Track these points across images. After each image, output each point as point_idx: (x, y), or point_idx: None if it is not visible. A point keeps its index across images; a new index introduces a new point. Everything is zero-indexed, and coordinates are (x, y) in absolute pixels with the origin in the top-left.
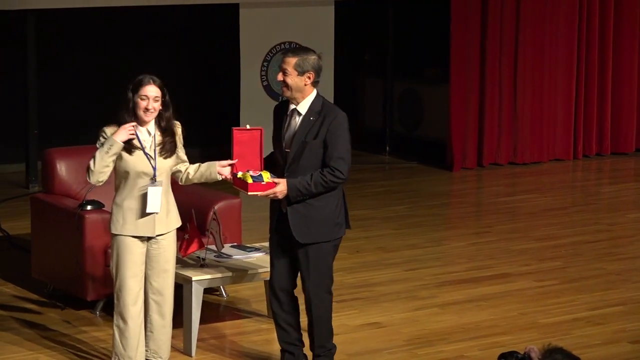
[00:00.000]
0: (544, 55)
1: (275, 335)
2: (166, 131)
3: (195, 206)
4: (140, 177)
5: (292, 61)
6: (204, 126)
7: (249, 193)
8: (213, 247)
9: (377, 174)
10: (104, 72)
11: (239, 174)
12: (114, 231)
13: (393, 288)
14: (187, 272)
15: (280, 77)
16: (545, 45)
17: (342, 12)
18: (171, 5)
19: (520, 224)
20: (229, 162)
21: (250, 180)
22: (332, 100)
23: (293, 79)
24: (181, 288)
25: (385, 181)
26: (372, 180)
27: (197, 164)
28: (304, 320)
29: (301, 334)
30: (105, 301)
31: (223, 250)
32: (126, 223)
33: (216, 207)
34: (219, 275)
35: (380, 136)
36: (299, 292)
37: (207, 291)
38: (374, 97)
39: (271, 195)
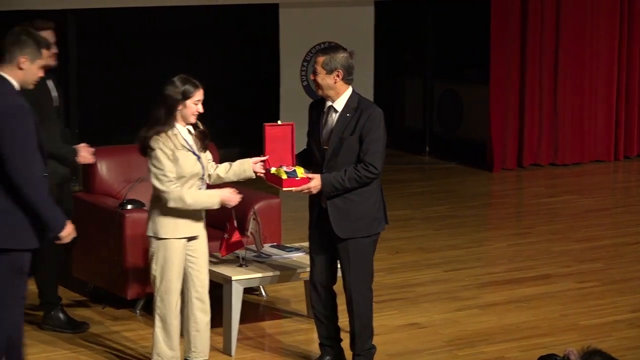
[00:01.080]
0: (585, 55)
1: (314, 335)
2: (195, 126)
3: (235, 206)
4: (192, 179)
5: (320, 60)
6: (244, 126)
7: (284, 189)
8: (253, 247)
9: (417, 175)
10: (143, 71)
11: (273, 170)
12: (163, 235)
13: (433, 289)
14: (227, 272)
15: (312, 76)
16: (586, 45)
17: (382, 12)
18: (211, 5)
19: (561, 225)
20: (261, 158)
21: (284, 176)
22: (372, 99)
23: (322, 77)
24: (221, 288)
25: (425, 182)
26: (412, 181)
27: (227, 164)
28: (344, 319)
29: (339, 330)
30: (145, 300)
31: (263, 250)
32: (178, 226)
33: (256, 207)
34: (259, 274)
35: (420, 137)
36: (340, 291)
37: (246, 291)
38: (413, 97)
39: (305, 191)
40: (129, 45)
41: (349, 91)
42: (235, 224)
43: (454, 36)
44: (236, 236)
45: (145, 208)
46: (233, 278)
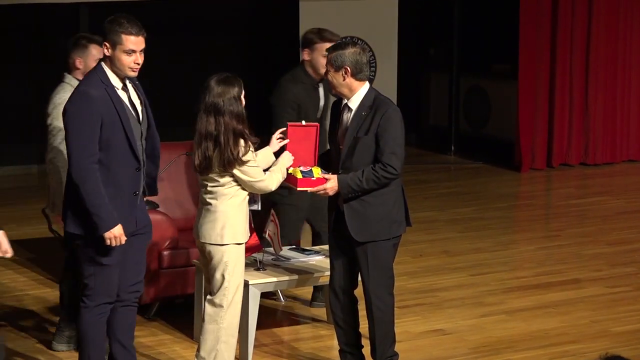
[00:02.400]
0: (618, 51)
1: (334, 341)
2: None
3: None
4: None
5: (329, 57)
6: (263, 121)
7: (298, 189)
8: (271, 249)
9: (442, 175)
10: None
11: (290, 169)
12: (242, 240)
13: (458, 294)
14: (245, 276)
15: (325, 75)
16: (619, 41)
17: (406, 4)
18: None
19: (591, 227)
20: (277, 137)
21: (299, 176)
22: (395, 97)
23: (332, 75)
24: None
25: (450, 182)
26: (437, 181)
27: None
28: (366, 325)
29: (360, 335)
30: (159, 305)
31: (281, 253)
32: (242, 230)
33: (273, 210)
34: (276, 278)
35: (445, 135)
36: (361, 296)
37: (264, 295)
38: (439, 93)
39: (321, 192)
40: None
41: (364, 89)
42: (253, 226)
43: (482, 30)
44: (253, 239)
45: (160, 209)
46: (250, 282)
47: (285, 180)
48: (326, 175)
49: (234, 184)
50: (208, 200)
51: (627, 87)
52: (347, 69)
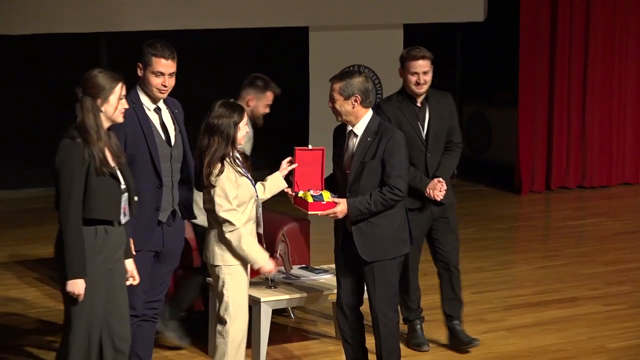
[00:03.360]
0: (613, 78)
1: (342, 356)
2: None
3: (264, 228)
4: (250, 202)
5: (336, 87)
6: (273, 147)
7: (309, 212)
8: (282, 268)
9: None
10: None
11: (300, 193)
12: (233, 263)
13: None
14: (256, 293)
15: (329, 103)
16: (614, 69)
17: (410, 34)
18: (241, 28)
19: (588, 247)
20: (287, 161)
21: (310, 200)
22: None
23: (340, 104)
24: (250, 309)
25: None
26: None
27: (261, 184)
28: (372, 341)
29: (367, 351)
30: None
31: (291, 272)
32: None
33: (285, 229)
34: (287, 296)
35: None
36: (366, 312)
37: (275, 312)
38: None
39: (331, 215)
40: None
41: (368, 115)
42: (264, 245)
43: (483, 59)
44: None
45: None
46: (262, 299)
47: (297, 203)
48: (335, 199)
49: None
50: (210, 220)
51: (622, 113)
52: (358, 97)
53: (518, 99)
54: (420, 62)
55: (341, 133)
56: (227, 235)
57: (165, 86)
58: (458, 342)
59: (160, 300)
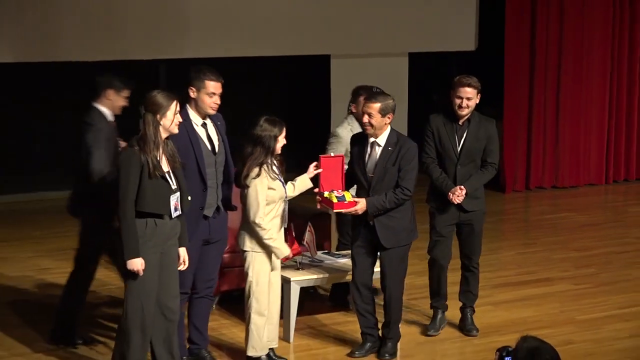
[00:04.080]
0: (582, 99)
1: (356, 326)
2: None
3: (294, 220)
4: (279, 201)
5: (376, 107)
6: (301, 155)
7: (335, 210)
8: (308, 253)
9: None
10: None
11: (325, 194)
12: (257, 249)
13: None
14: (287, 274)
15: (366, 119)
16: (582, 92)
17: (414, 61)
18: (274, 56)
19: (561, 237)
20: (313, 165)
21: (335, 200)
22: (406, 134)
23: (377, 120)
24: (282, 287)
25: None
26: None
27: (291, 184)
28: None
29: (377, 320)
30: (220, 297)
31: (316, 257)
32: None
33: (310, 221)
34: (313, 276)
35: None
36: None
37: (303, 289)
38: None
39: (352, 212)
40: None
41: (389, 128)
42: (294, 234)
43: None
44: (295, 246)
45: None
46: (292, 279)
47: (324, 203)
48: (356, 199)
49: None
50: (244, 213)
51: (588, 128)
52: (390, 115)
53: (503, 113)
54: (467, 89)
55: (360, 142)
56: (257, 230)
57: (216, 104)
58: (465, 325)
59: (213, 279)
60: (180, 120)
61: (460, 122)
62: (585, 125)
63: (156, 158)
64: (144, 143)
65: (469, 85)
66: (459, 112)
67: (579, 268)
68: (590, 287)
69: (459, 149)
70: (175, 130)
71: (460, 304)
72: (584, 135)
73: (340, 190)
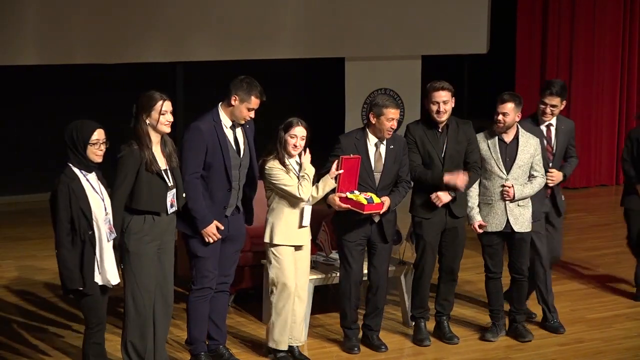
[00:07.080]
0: (592, 101)
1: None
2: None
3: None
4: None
5: (398, 114)
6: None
7: (365, 212)
8: (322, 252)
9: None
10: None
11: (349, 195)
12: (277, 242)
13: (468, 288)
14: None
15: (394, 125)
16: (594, 95)
17: (427, 64)
18: (290, 59)
19: (572, 237)
20: (335, 167)
21: (365, 202)
22: None
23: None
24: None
25: None
26: None
27: (314, 187)
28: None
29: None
30: (236, 295)
31: (330, 255)
32: (289, 235)
33: (324, 221)
34: (327, 275)
35: None
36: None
37: (317, 288)
38: None
39: (381, 212)
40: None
41: None
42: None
43: (486, 83)
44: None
45: None
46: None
47: (349, 204)
48: (382, 199)
49: (272, 193)
50: (268, 204)
51: (599, 130)
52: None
53: None
54: (441, 92)
55: (359, 141)
56: (303, 195)
57: (251, 117)
58: (442, 334)
59: (230, 275)
60: (171, 120)
61: (440, 129)
62: (596, 127)
63: (152, 154)
64: (137, 139)
65: (443, 89)
66: (437, 118)
67: (589, 268)
68: (599, 286)
69: (442, 155)
70: (164, 130)
71: (436, 313)
72: (595, 137)
73: (359, 192)
